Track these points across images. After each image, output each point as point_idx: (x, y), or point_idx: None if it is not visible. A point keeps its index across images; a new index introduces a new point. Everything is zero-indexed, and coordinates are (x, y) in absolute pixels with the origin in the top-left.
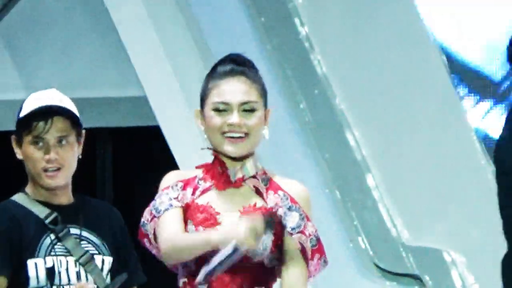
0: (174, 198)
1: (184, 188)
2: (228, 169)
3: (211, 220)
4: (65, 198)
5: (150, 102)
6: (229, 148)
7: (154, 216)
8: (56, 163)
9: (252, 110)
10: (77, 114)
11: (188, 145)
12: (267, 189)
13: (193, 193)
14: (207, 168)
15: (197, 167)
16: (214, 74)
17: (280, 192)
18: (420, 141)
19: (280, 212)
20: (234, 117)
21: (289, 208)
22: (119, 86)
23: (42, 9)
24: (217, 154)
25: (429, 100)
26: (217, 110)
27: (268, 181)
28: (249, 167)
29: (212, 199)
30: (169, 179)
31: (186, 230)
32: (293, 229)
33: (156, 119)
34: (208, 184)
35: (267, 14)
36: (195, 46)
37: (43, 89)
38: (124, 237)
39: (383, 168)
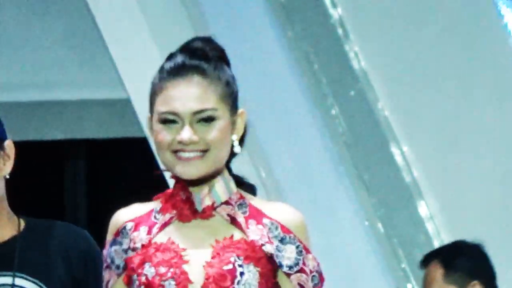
0: (116, 258)
1: (135, 228)
2: (192, 195)
3: (175, 259)
4: None
5: (134, 106)
6: (182, 170)
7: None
8: None
9: (209, 120)
10: None
11: None
12: (246, 218)
13: (149, 232)
14: (166, 197)
15: (155, 198)
16: (160, 72)
17: (265, 221)
18: (487, 161)
19: (269, 248)
20: (185, 133)
21: (282, 240)
22: (95, 87)
23: None
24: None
25: (499, 112)
26: (164, 122)
27: (247, 207)
28: (220, 190)
29: (175, 234)
30: (115, 222)
31: (140, 273)
32: (290, 268)
33: (141, 127)
34: (168, 216)
35: None
36: (193, 33)
37: None
38: (90, 272)
39: (440, 193)
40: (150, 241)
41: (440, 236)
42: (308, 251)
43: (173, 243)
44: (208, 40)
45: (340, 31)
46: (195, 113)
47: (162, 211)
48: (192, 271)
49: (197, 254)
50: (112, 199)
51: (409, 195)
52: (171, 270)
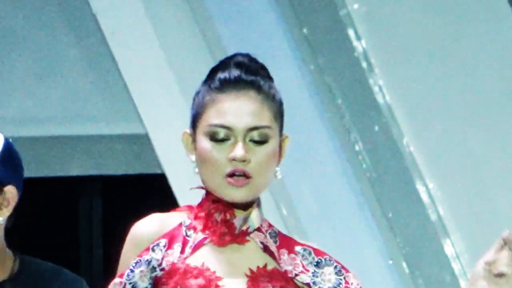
0: (141, 282)
1: (169, 246)
2: (236, 218)
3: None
4: None
5: (152, 141)
6: (233, 193)
7: None
8: None
9: (262, 141)
10: None
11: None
12: (278, 247)
13: (182, 251)
14: (197, 212)
15: (177, 209)
16: (212, 82)
17: (298, 248)
18: None
19: (304, 278)
20: (239, 150)
21: (318, 265)
22: (112, 121)
23: (15, 25)
24: (213, 194)
25: None
26: (213, 137)
27: (278, 237)
28: (255, 217)
29: (208, 258)
30: (139, 238)
31: None
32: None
33: (159, 163)
34: (201, 236)
35: (311, 25)
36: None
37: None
38: None
39: (466, 232)
40: (183, 261)
41: (467, 276)
42: (347, 270)
43: (208, 269)
44: (250, 56)
45: (364, 64)
46: (250, 130)
47: (193, 228)
48: None
49: (232, 284)
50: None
51: (435, 233)
52: None
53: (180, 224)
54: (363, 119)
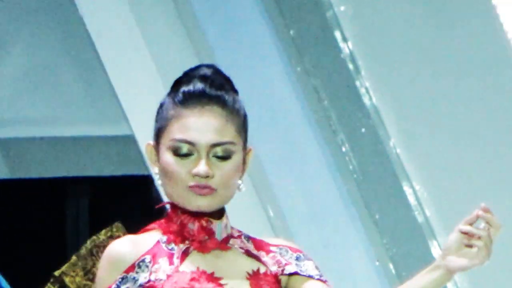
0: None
1: (154, 261)
2: (214, 224)
3: (217, 287)
4: None
5: (138, 143)
6: (198, 201)
7: None
8: None
9: (226, 156)
10: None
11: None
12: (256, 250)
13: (171, 263)
14: (167, 227)
15: (146, 229)
16: (175, 95)
17: (273, 248)
18: (502, 201)
19: (290, 268)
20: (202, 166)
21: (298, 259)
22: (98, 123)
23: (3, 27)
24: (180, 207)
25: None
26: (176, 151)
27: (250, 240)
28: (228, 224)
29: (202, 264)
30: (121, 257)
31: None
32: (320, 276)
33: (146, 164)
34: (183, 247)
35: (298, 26)
36: None
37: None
38: None
39: None
40: (177, 269)
41: (454, 278)
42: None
43: (205, 272)
44: (215, 68)
45: (351, 66)
46: (213, 146)
47: (173, 241)
48: None
49: (236, 285)
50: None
51: (422, 235)
52: None
53: (158, 242)
54: (349, 121)
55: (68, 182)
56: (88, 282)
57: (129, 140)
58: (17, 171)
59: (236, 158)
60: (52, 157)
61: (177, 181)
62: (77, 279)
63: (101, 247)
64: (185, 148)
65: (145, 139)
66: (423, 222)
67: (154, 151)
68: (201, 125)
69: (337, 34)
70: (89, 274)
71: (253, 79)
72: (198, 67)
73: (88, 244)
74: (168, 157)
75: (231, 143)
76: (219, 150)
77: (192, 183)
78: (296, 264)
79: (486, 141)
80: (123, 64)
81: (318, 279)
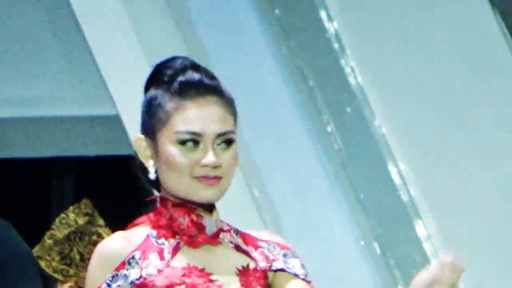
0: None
1: (144, 256)
2: (205, 220)
3: (208, 283)
4: None
5: (123, 123)
6: (203, 193)
7: None
8: None
9: (228, 145)
10: None
11: None
12: (246, 245)
13: (162, 258)
14: (157, 221)
15: (135, 223)
16: (170, 85)
17: (261, 243)
18: (486, 180)
19: (277, 265)
20: (211, 157)
21: (285, 256)
22: (84, 103)
23: None
24: (173, 199)
25: (499, 130)
26: (182, 143)
27: (239, 234)
28: (218, 218)
29: (191, 260)
30: (111, 255)
31: None
32: (305, 276)
33: (130, 145)
34: (173, 242)
35: (283, 6)
36: (186, 50)
37: None
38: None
39: (438, 213)
40: (168, 264)
41: (438, 257)
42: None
43: (195, 267)
44: (188, 59)
45: (336, 45)
46: (218, 136)
47: (163, 236)
48: None
49: (226, 281)
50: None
51: (406, 214)
52: None
53: (148, 237)
54: (335, 101)
55: (53, 162)
56: (65, 267)
57: (115, 120)
58: (1, 151)
59: (235, 146)
60: (37, 137)
61: (183, 173)
62: (54, 263)
63: (79, 233)
64: (190, 140)
65: (130, 119)
66: (408, 201)
67: (144, 144)
68: (205, 116)
69: (323, 14)
70: (67, 259)
71: (238, 59)
72: (174, 59)
73: (57, 222)
74: (172, 149)
75: (232, 131)
76: (222, 140)
77: (199, 174)
78: (284, 261)
79: (471, 121)
80: (109, 44)
81: (303, 279)
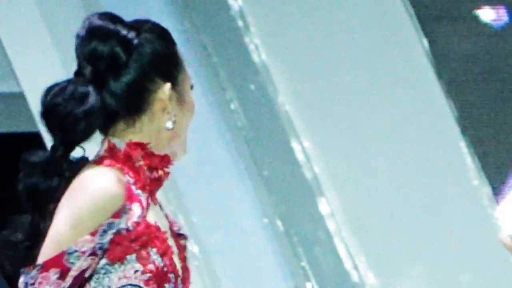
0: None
1: (130, 208)
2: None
3: (170, 248)
4: None
5: (27, 99)
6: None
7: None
8: None
9: None
10: None
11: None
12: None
13: (141, 210)
14: (128, 168)
15: (110, 164)
16: (174, 43)
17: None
18: (390, 158)
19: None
20: None
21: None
22: None
23: None
24: (143, 146)
25: (404, 108)
26: (191, 88)
27: None
28: None
29: (156, 216)
30: (114, 199)
31: (146, 257)
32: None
33: (34, 122)
34: (145, 195)
35: None
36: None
37: None
38: None
39: (341, 190)
40: (144, 219)
41: (341, 234)
42: None
43: (159, 228)
44: None
45: (240, 23)
46: None
47: (141, 188)
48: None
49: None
50: (3, 197)
51: (310, 192)
52: (177, 263)
53: (128, 183)
54: (238, 78)
55: None
56: None
57: (18, 97)
58: None
59: None
60: None
61: (193, 116)
62: None
63: None
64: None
65: (34, 96)
66: (311, 179)
67: (170, 91)
68: None
69: None
70: None
71: None
72: (147, 20)
73: None
74: (191, 93)
75: None
76: None
77: None
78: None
79: (374, 99)
80: (12, 21)
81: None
